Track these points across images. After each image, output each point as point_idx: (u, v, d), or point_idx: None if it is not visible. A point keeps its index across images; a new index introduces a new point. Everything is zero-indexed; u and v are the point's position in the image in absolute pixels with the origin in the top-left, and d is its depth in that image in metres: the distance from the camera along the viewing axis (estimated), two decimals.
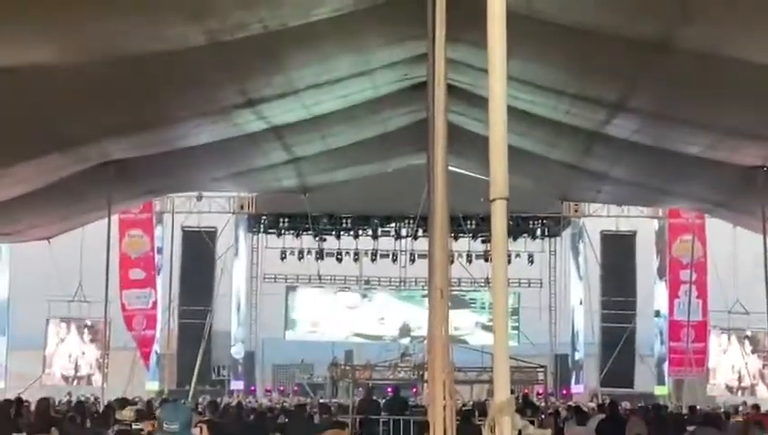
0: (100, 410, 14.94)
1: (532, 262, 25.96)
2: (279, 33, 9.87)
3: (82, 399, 18.35)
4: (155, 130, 12.88)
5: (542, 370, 23.87)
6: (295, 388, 25.01)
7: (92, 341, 22.91)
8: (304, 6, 9.67)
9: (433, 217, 6.39)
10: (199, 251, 24.73)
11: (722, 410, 16.23)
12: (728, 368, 22.38)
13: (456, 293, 25.28)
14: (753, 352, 22.11)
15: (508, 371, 2.86)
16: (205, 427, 7.44)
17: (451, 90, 9.35)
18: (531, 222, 25.10)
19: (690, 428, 12.69)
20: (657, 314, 23.78)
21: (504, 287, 2.75)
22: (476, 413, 12.74)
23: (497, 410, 2.81)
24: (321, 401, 20.16)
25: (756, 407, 15.63)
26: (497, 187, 2.59)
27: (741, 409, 15.77)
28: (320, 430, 7.80)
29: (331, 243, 25.45)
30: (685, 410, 15.91)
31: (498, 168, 2.58)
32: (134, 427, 10.93)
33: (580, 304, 25.16)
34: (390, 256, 25.64)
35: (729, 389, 22.29)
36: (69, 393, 20.70)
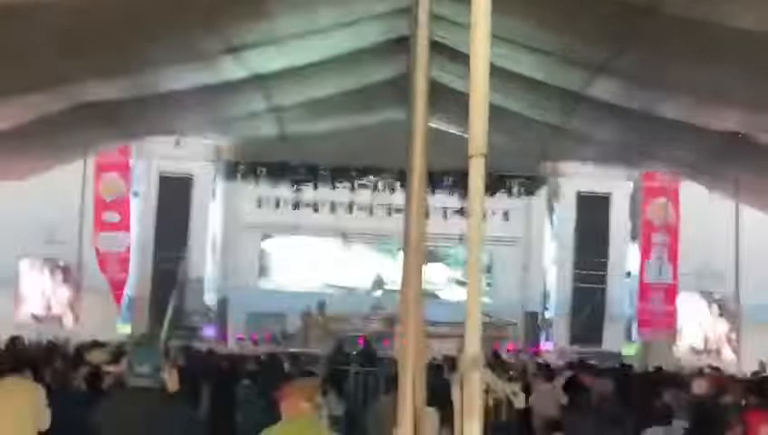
0: (71, 351, 14.95)
1: (507, 219, 26.03)
2: None
3: (52, 339, 18.33)
4: (135, 73, 12.79)
5: (512, 326, 24.12)
6: (267, 336, 25.09)
7: (64, 281, 22.85)
8: None
9: (411, 172, 6.41)
10: (175, 196, 24.63)
11: (686, 370, 16.47)
12: (695, 330, 22.66)
13: (430, 247, 25.35)
14: (721, 315, 22.37)
15: (479, 326, 2.89)
16: (174, 371, 7.46)
17: (434, 45, 9.32)
18: (508, 180, 25.12)
19: (656, 388, 12.88)
20: (629, 275, 23.97)
21: (480, 244, 2.78)
22: (447, 367, 12.86)
23: (467, 365, 2.85)
24: (292, 350, 20.25)
25: (717, 368, 15.84)
26: (476, 143, 2.60)
27: (705, 370, 15.98)
28: (290, 379, 7.87)
29: (307, 193, 25.40)
30: (651, 371, 16.13)
31: (478, 124, 2.59)
32: (104, 369, 10.93)
33: (554, 263, 25.31)
34: (367, 209, 25.63)
35: (695, 351, 22.58)
36: (39, 333, 20.65)
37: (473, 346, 2.89)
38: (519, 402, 10.21)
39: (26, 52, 10.33)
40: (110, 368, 10.83)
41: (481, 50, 2.79)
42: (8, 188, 19.01)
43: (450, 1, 10.66)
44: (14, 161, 16.68)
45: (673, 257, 22.75)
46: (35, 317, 22.74)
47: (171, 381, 7.04)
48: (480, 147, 2.64)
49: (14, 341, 14.76)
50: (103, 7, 9.33)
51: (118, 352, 12.46)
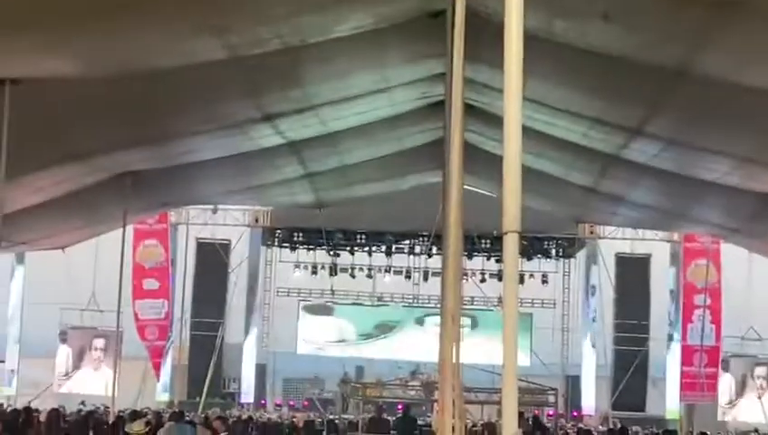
0: (110, 420, 14.93)
1: (545, 282, 25.86)
2: (298, 49, 9.89)
3: (92, 409, 18.33)
4: (172, 142, 12.91)
5: (552, 392, 23.80)
6: (305, 403, 24.94)
7: (104, 350, 22.91)
8: (324, 23, 9.69)
9: (447, 237, 6.38)
10: (213, 263, 24.78)
11: None
12: (740, 394, 22.19)
13: (468, 312, 25.19)
14: (766, 378, 21.92)
15: (515, 405, 2.83)
16: None
17: (468, 109, 9.32)
18: (545, 242, 24.99)
19: None
20: (671, 337, 23.64)
21: (515, 319, 2.73)
22: (486, 434, 12.67)
23: None
24: (331, 417, 20.08)
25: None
26: (509, 220, 2.56)
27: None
28: None
29: (344, 258, 25.42)
30: None
31: (511, 201, 2.56)
32: None
33: (594, 325, 25.04)
34: (404, 273, 25.57)
35: (741, 414, 22.10)
36: (83, 402, 20.71)
37: (510, 427, 2.82)
38: None
39: (65, 123, 10.48)
40: None
41: (513, 129, 2.77)
42: (48, 257, 19.21)
43: (484, 65, 10.68)
44: (55, 232, 16.84)
45: (716, 320, 22.42)
46: (76, 386, 22.78)
47: None
48: (513, 224, 2.60)
49: (53, 413, 14.78)
50: (140, 78, 9.46)
51: (156, 422, 12.45)
